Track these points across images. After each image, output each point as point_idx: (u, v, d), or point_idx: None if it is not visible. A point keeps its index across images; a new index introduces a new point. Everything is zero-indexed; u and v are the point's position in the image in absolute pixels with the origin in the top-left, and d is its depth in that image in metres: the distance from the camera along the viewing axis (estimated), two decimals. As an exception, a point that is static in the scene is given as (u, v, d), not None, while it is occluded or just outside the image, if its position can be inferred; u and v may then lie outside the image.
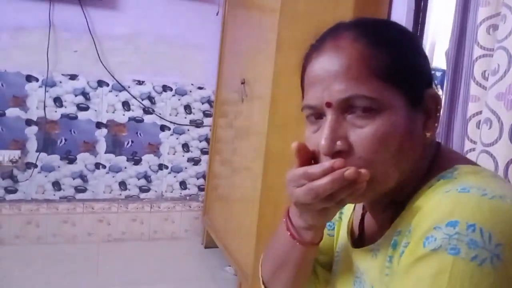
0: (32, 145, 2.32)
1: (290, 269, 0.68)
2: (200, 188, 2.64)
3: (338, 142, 0.54)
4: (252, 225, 1.78)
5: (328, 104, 0.55)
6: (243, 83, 2.00)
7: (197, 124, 2.60)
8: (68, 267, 2.18)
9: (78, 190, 2.44)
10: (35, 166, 2.34)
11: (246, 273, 1.81)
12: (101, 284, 2.04)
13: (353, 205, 0.73)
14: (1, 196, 2.32)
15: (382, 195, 0.58)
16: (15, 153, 2.28)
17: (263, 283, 0.76)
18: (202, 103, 2.59)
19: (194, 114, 2.58)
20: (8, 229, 2.34)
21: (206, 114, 2.60)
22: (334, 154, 0.55)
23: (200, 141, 2.61)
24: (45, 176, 2.37)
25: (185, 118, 2.57)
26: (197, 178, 2.64)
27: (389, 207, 0.61)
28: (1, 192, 2.32)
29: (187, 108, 2.56)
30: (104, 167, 2.46)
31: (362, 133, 0.54)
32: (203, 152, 2.62)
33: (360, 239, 0.68)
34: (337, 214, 0.76)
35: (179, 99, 2.54)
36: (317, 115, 0.58)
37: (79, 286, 2.01)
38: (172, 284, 2.10)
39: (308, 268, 0.70)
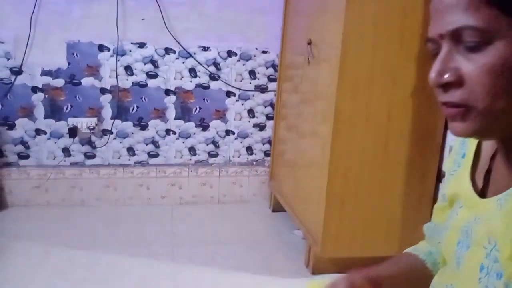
0: (107, 112, 2.44)
1: None
2: (266, 154, 2.66)
3: (446, 75, 0.54)
4: (321, 190, 1.77)
5: (440, 36, 0.54)
6: (309, 43, 1.94)
7: (262, 89, 2.58)
8: (144, 227, 2.31)
9: (151, 155, 2.55)
10: (111, 132, 2.46)
11: (316, 237, 1.82)
12: (175, 243, 2.15)
13: (473, 152, 0.68)
14: (82, 161, 2.48)
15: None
16: (92, 121, 2.41)
17: None
18: (267, 68, 2.56)
19: (258, 79, 2.57)
20: (89, 192, 2.51)
21: (270, 79, 2.57)
22: (443, 86, 0.54)
23: (265, 107, 2.61)
24: (120, 142, 2.49)
25: (250, 83, 2.56)
26: (263, 144, 2.65)
27: None
28: (81, 158, 2.48)
29: (252, 74, 2.55)
30: (174, 133, 2.54)
31: (471, 65, 0.52)
32: (268, 117, 2.62)
33: (483, 190, 0.63)
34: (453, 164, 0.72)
35: (243, 64, 2.53)
36: (436, 50, 0.57)
37: (155, 244, 2.12)
38: (241, 245, 2.16)
39: None
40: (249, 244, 2.18)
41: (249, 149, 2.64)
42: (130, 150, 2.51)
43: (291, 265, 1.98)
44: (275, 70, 2.55)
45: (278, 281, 1.82)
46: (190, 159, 2.59)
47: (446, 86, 0.54)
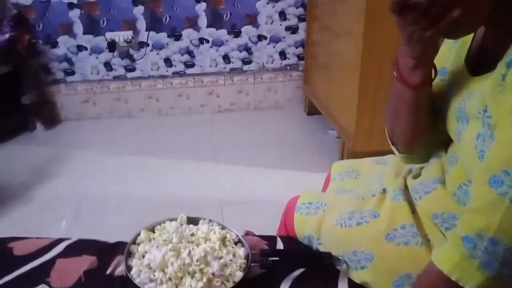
0: (141, 24, 2.48)
1: (405, 114, 0.72)
2: (300, 57, 2.66)
3: None
4: (354, 87, 1.79)
5: None
6: None
7: (293, -10, 2.51)
8: (187, 134, 2.46)
9: (187, 65, 2.61)
10: (147, 44, 2.52)
11: (349, 133, 1.89)
12: (217, 148, 2.29)
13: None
14: (123, 75, 2.59)
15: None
16: (128, 34, 2.47)
17: (389, 139, 0.82)
18: (297, -33, 2.47)
19: (289, -20, 2.49)
20: (133, 103, 2.65)
21: (301, -22, 2.49)
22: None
23: (297, 8, 2.55)
24: (157, 54, 2.56)
25: (280, -16, 2.49)
26: (296, 47, 2.64)
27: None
28: (122, 71, 2.59)
29: (282, -26, 2.47)
30: (208, 41, 2.57)
31: None
32: (300, 19, 2.57)
33: (476, 66, 0.67)
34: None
35: (273, -36, 2.45)
36: None
37: (198, 149, 2.28)
38: (279, 147, 2.27)
39: (423, 110, 0.72)
40: (286, 146, 2.29)
41: (282, 54, 2.65)
42: (167, 61, 2.59)
43: (326, 161, 2.07)
44: (306, -31, 2.45)
45: (314, 175, 1.94)
46: (225, 67, 2.64)
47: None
